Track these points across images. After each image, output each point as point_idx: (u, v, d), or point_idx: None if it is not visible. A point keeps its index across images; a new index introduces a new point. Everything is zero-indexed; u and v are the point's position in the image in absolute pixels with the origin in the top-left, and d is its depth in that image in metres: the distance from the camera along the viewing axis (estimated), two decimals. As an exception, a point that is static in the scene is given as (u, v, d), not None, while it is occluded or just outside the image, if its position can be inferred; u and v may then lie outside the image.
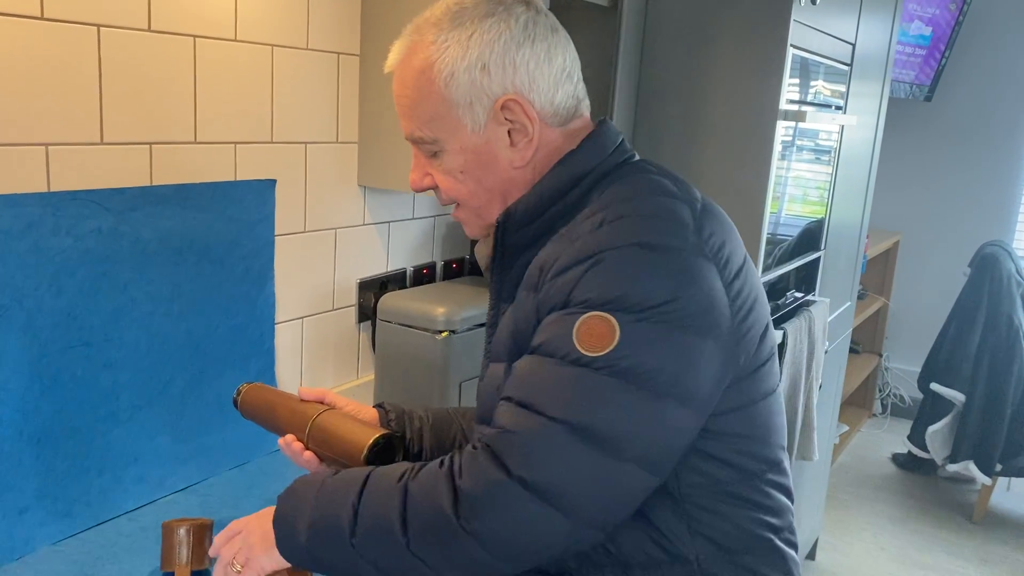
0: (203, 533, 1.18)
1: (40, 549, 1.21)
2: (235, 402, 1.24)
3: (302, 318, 1.69)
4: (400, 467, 0.94)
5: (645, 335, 0.87)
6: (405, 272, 1.92)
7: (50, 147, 1.22)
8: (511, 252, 1.03)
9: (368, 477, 0.94)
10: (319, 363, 1.75)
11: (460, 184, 1.02)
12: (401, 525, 0.88)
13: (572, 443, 0.85)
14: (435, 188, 1.05)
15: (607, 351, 0.86)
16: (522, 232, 1.01)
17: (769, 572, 1.01)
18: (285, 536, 0.96)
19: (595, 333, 0.87)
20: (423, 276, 1.95)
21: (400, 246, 1.90)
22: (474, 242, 2.00)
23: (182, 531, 1.16)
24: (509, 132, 0.99)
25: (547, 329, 0.91)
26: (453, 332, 1.62)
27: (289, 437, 1.15)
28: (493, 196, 1.03)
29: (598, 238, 0.91)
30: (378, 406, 1.20)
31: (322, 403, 1.18)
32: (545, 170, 1.01)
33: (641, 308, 0.87)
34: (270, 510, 1.00)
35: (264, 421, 1.23)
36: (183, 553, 1.15)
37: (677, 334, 0.88)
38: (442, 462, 0.91)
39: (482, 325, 1.68)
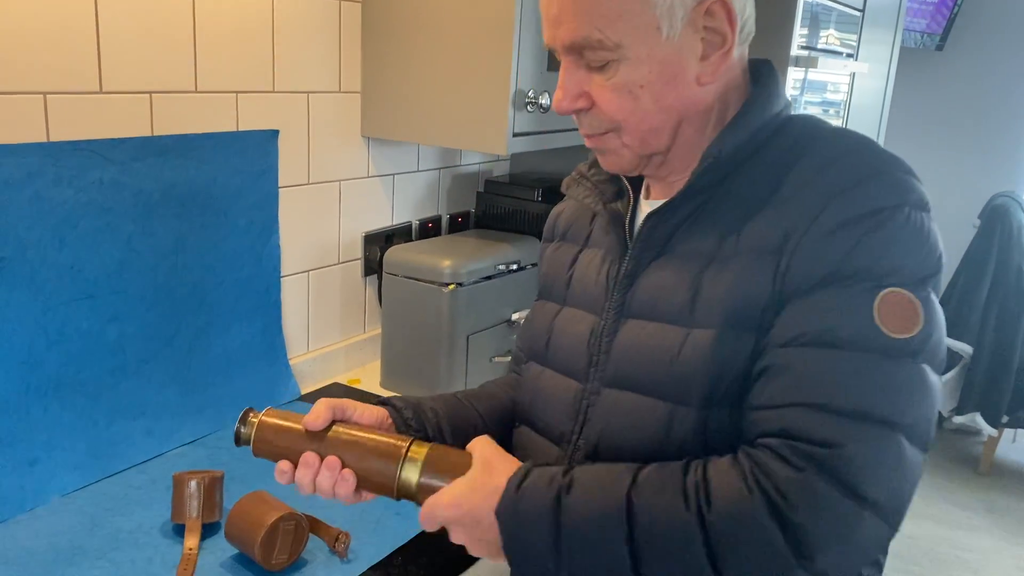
0: (214, 486, 1.18)
1: (51, 500, 1.22)
2: (239, 437, 0.93)
3: (308, 271, 1.68)
4: (667, 481, 0.79)
5: (933, 308, 0.79)
6: (410, 225, 1.90)
7: (48, 96, 1.20)
8: (688, 197, 0.88)
9: (631, 503, 0.78)
10: (325, 317, 1.74)
11: (634, 102, 0.84)
12: (711, 566, 0.76)
13: (908, 448, 0.76)
14: (584, 111, 0.88)
15: (915, 332, 0.76)
16: (713, 174, 0.87)
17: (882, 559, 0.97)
18: (532, 571, 0.83)
19: (898, 313, 0.77)
20: (428, 229, 1.94)
21: (405, 199, 1.88)
22: (480, 193, 1.99)
23: (193, 484, 1.16)
24: (702, 41, 0.85)
25: (831, 312, 0.78)
26: (460, 285, 1.61)
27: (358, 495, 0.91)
28: (668, 119, 0.86)
29: (865, 195, 0.79)
30: (386, 404, 1.00)
31: (349, 423, 0.93)
32: (725, 96, 0.88)
33: (926, 276, 0.79)
34: (481, 511, 0.84)
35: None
36: (194, 506, 1.16)
37: (939, 302, 0.81)
38: (745, 482, 0.76)
39: (489, 278, 1.67)
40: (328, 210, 1.69)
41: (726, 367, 0.81)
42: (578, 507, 0.80)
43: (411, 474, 0.87)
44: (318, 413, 0.90)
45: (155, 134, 1.34)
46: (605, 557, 0.79)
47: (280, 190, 1.56)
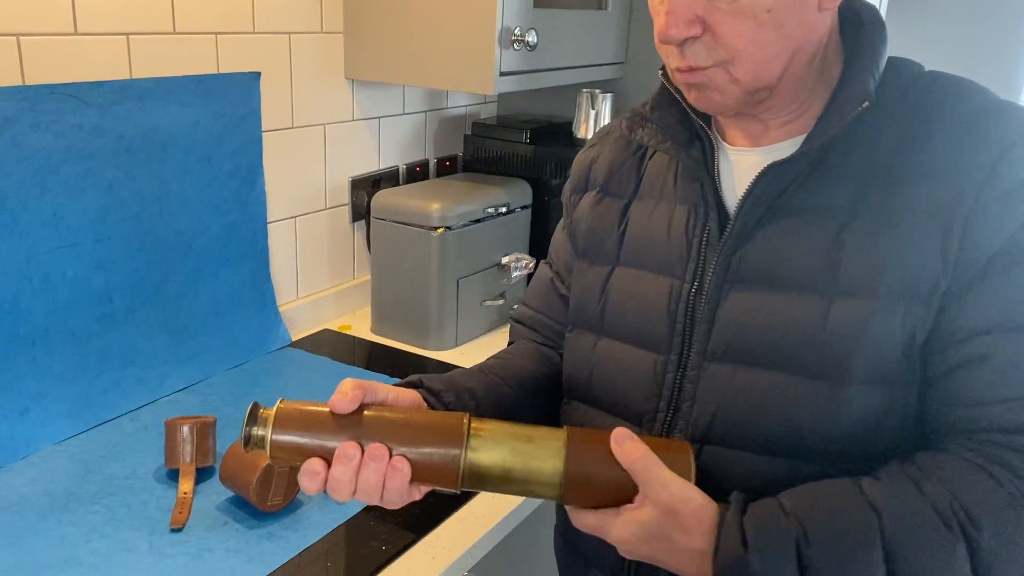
0: (207, 431, 1.18)
1: (43, 449, 1.21)
2: (249, 440, 0.73)
3: (294, 217, 1.66)
4: (914, 506, 0.70)
5: None
6: (397, 170, 1.87)
7: (21, 37, 1.16)
8: (820, 145, 0.77)
9: (888, 548, 0.69)
10: (314, 263, 1.73)
11: (757, 29, 0.74)
12: None
13: None
14: (694, 39, 0.76)
15: None
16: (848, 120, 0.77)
17: None
18: None
19: None
20: (416, 174, 1.91)
21: (391, 142, 1.85)
22: (468, 136, 1.96)
23: (186, 429, 1.16)
24: None
25: None
26: (449, 228, 1.59)
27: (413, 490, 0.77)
28: (785, 50, 0.76)
29: None
30: (418, 386, 0.87)
31: (382, 404, 0.78)
32: (832, 30, 0.80)
33: None
34: (676, 564, 0.75)
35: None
36: (187, 450, 1.16)
37: None
38: (1004, 488, 0.70)
39: (478, 221, 1.65)
40: (313, 155, 1.67)
41: (887, 342, 0.74)
42: (828, 566, 0.70)
43: (478, 455, 0.73)
44: (345, 392, 0.74)
45: (133, 77, 1.31)
46: None
47: (264, 134, 1.54)
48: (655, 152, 0.91)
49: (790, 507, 0.72)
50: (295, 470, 1.08)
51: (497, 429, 0.75)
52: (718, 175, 0.84)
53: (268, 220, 1.59)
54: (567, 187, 1.01)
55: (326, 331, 1.72)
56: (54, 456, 1.20)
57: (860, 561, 0.69)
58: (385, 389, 0.79)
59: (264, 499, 1.07)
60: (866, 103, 0.76)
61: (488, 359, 0.99)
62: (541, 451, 0.74)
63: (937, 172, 0.75)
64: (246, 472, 1.07)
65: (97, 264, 1.29)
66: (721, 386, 0.80)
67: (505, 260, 1.74)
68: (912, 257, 0.73)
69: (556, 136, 1.90)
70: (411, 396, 0.82)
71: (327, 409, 0.74)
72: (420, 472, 0.73)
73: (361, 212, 1.79)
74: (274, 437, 0.72)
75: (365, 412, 0.74)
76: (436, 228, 1.59)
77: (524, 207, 1.79)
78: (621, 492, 0.74)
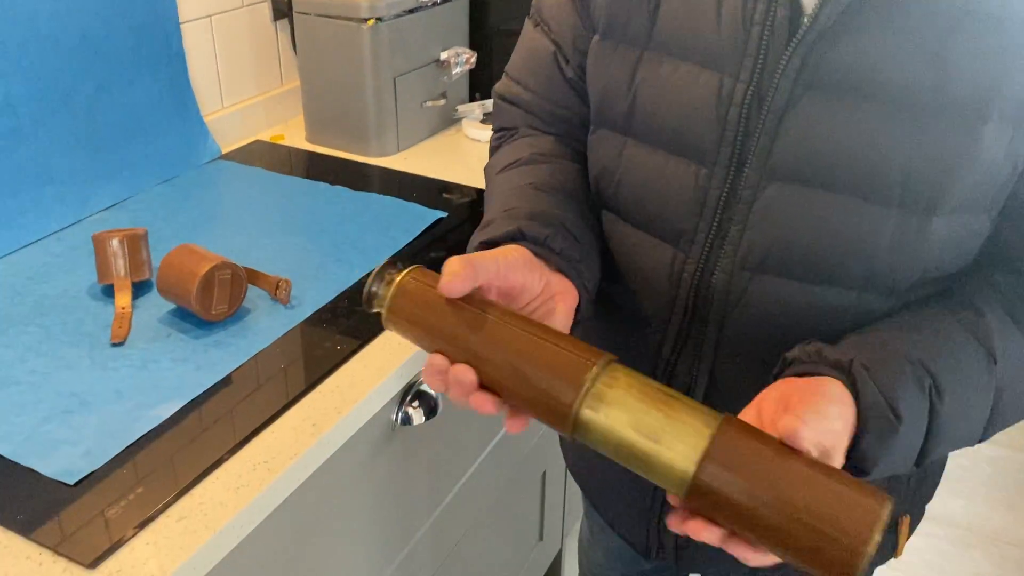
0: (137, 243, 1.11)
1: (-36, 274, 1.14)
2: (369, 298, 0.66)
3: (209, 16, 1.51)
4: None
5: None
6: (319, -39, 1.71)
7: None
8: None
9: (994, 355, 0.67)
10: (236, 68, 1.60)
11: None
12: None
13: None
14: None
15: None
16: None
17: None
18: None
19: None
20: (340, -35, 1.75)
21: (310, -70, 1.68)
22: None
23: (115, 242, 1.09)
24: None
25: None
26: (380, 20, 1.48)
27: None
28: None
29: None
30: (515, 239, 0.71)
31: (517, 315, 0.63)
32: None
33: None
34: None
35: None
36: (120, 264, 1.09)
37: None
38: None
39: (412, 11, 1.53)
40: (223, -56, 1.51)
41: (988, 170, 0.65)
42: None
43: (596, 414, 0.58)
44: (455, 271, 0.61)
45: None
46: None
47: (163, -81, 1.37)
48: None
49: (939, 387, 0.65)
50: (238, 278, 1.03)
51: (626, 396, 0.59)
52: None
53: (181, 20, 1.45)
54: None
55: (257, 142, 1.62)
56: (-23, 281, 1.13)
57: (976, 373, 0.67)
58: (492, 261, 0.65)
59: (208, 308, 1.03)
60: None
61: (528, 166, 0.81)
62: (673, 441, 0.57)
63: None
64: (185, 281, 1.02)
65: (-8, 72, 1.17)
66: (785, 210, 0.68)
67: (444, 55, 1.63)
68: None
69: (490, -85, 1.74)
70: (519, 258, 0.67)
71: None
72: (530, 410, 0.62)
73: (283, 9, 1.64)
74: (389, 315, 0.65)
75: (488, 315, 0.62)
76: (366, 19, 1.47)
77: (461, -5, 1.66)
78: (756, 518, 0.54)
